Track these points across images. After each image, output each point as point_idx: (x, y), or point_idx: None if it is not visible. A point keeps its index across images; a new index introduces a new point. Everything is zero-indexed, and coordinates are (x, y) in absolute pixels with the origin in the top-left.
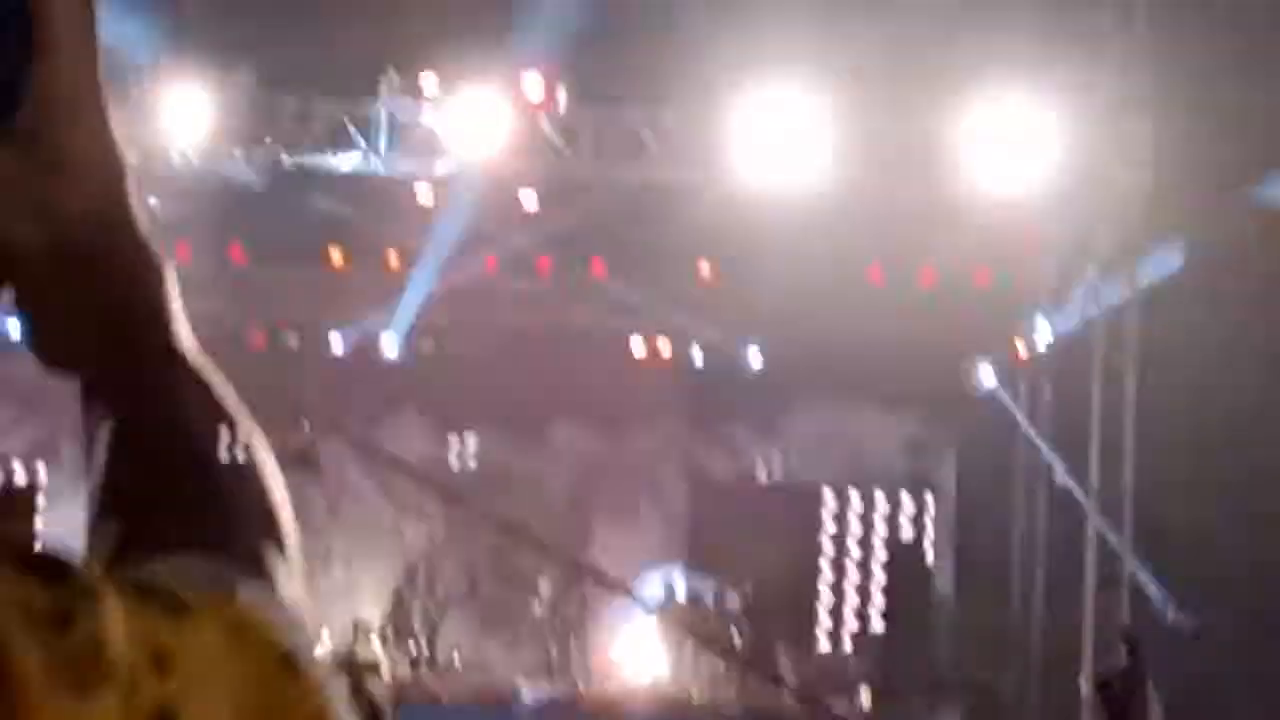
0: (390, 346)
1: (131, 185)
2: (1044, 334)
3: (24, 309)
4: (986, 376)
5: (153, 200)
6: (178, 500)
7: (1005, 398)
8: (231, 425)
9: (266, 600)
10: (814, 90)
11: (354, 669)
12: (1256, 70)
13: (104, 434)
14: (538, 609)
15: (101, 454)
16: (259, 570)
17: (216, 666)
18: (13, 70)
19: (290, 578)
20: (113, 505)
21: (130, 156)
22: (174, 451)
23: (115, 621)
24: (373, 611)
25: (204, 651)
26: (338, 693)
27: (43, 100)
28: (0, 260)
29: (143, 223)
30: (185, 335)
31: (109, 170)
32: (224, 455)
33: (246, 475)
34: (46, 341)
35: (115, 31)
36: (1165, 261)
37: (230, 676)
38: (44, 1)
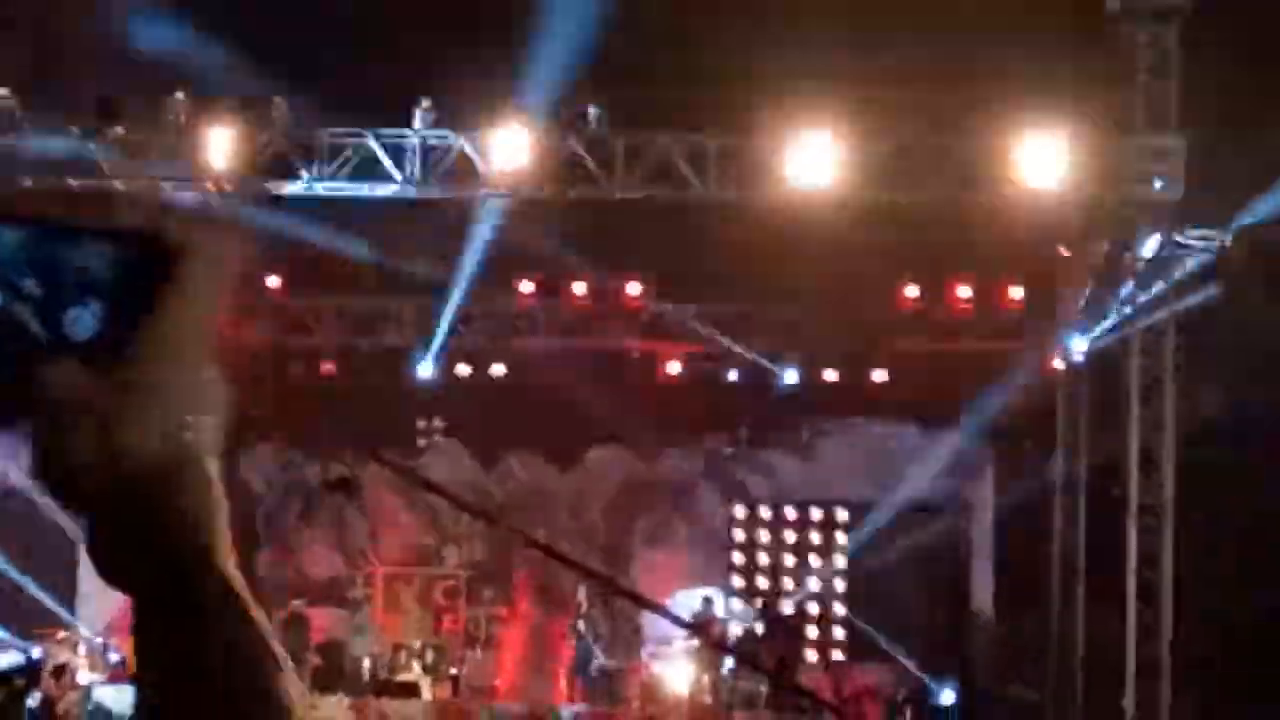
0: (426, 371)
1: (216, 429)
2: (1078, 347)
3: (89, 530)
4: (1013, 396)
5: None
6: None
7: (1032, 419)
8: (269, 658)
9: None
10: (845, 108)
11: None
12: None
13: (142, 660)
14: (577, 629)
15: (141, 682)
16: None
17: None
18: (135, 304)
19: None
20: None
21: (220, 405)
22: (203, 696)
23: None
24: (414, 635)
25: None
26: None
27: (149, 336)
28: (71, 488)
29: (211, 459)
30: (227, 563)
31: (191, 411)
32: (258, 691)
33: (276, 709)
34: (103, 558)
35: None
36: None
37: None
38: (188, 257)
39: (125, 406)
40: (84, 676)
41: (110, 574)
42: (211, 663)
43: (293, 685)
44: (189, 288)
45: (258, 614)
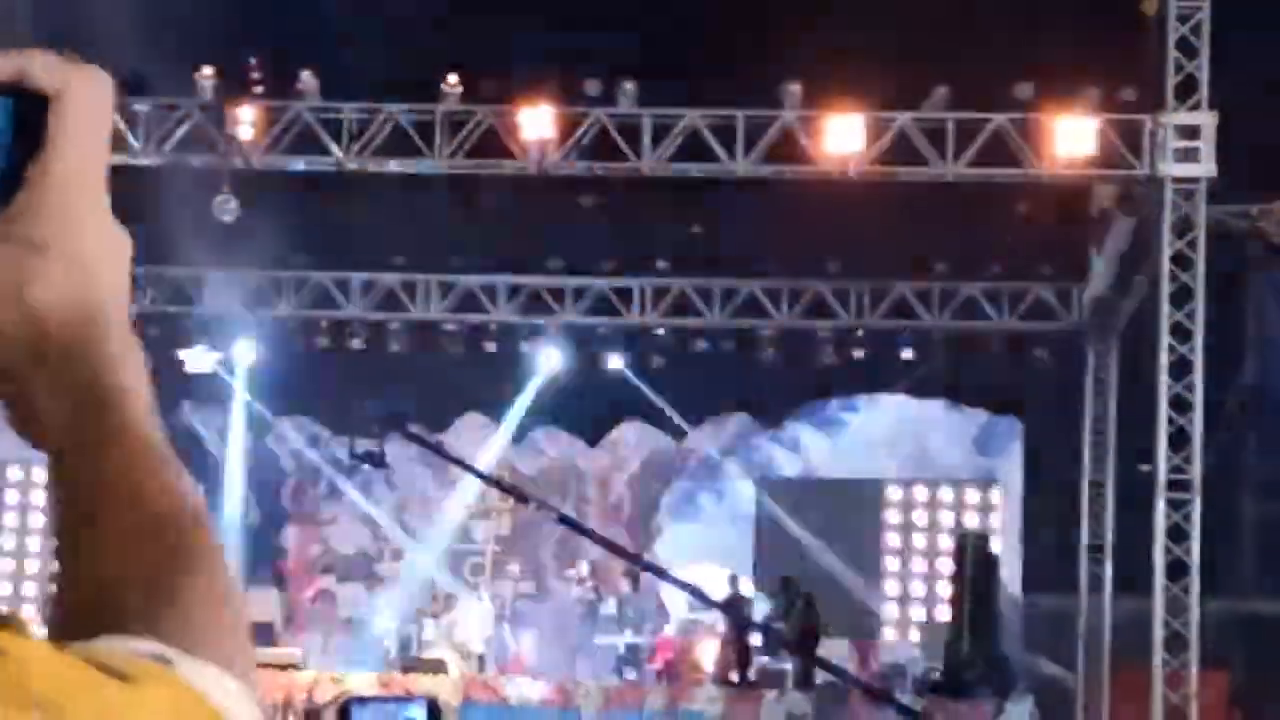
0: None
1: (122, 274)
2: (1106, 326)
3: (2, 387)
4: (1041, 374)
5: (221, 199)
6: (129, 582)
7: (1059, 397)
8: (180, 507)
9: (205, 675)
10: (874, 83)
11: (421, 669)
12: None
13: (65, 511)
14: (604, 606)
15: (63, 531)
16: (204, 647)
17: None
18: (17, 161)
19: (236, 652)
20: (67, 582)
21: (126, 249)
22: (127, 537)
23: (39, 658)
24: (441, 610)
25: (147, 714)
26: None
27: (37, 189)
28: None
29: (122, 307)
30: (150, 419)
31: (94, 260)
32: (169, 538)
33: (195, 556)
34: (20, 418)
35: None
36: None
37: None
38: (60, 102)
39: (33, 266)
40: None
41: (27, 430)
42: (126, 508)
43: (218, 551)
44: (69, 133)
45: (177, 468)
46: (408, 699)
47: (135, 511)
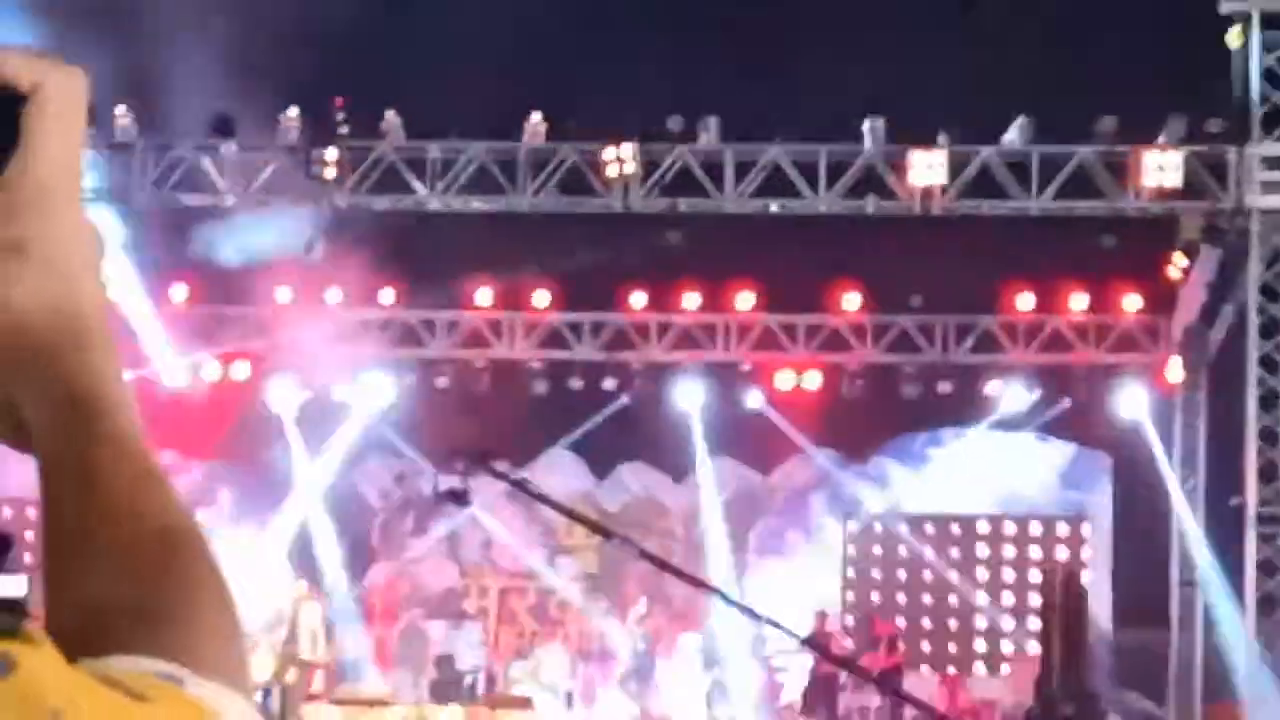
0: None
1: (99, 278)
2: (1195, 358)
3: None
4: (1130, 407)
5: (306, 240)
6: (128, 599)
7: (1149, 430)
8: (175, 520)
9: (215, 693)
10: (957, 117)
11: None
12: None
13: (58, 526)
14: (691, 641)
15: (56, 547)
16: (209, 664)
17: None
18: None
19: (238, 668)
20: (61, 600)
21: (102, 248)
22: (123, 552)
23: (53, 672)
24: (527, 648)
25: None
26: None
27: (15, 189)
28: None
29: (102, 311)
30: (131, 422)
31: (73, 261)
32: (166, 553)
33: (194, 571)
34: (4, 426)
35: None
36: None
37: None
38: (36, 99)
39: (12, 269)
40: None
41: (7, 437)
42: (120, 522)
43: (216, 565)
44: (46, 131)
45: (169, 479)
46: None
47: (130, 525)
